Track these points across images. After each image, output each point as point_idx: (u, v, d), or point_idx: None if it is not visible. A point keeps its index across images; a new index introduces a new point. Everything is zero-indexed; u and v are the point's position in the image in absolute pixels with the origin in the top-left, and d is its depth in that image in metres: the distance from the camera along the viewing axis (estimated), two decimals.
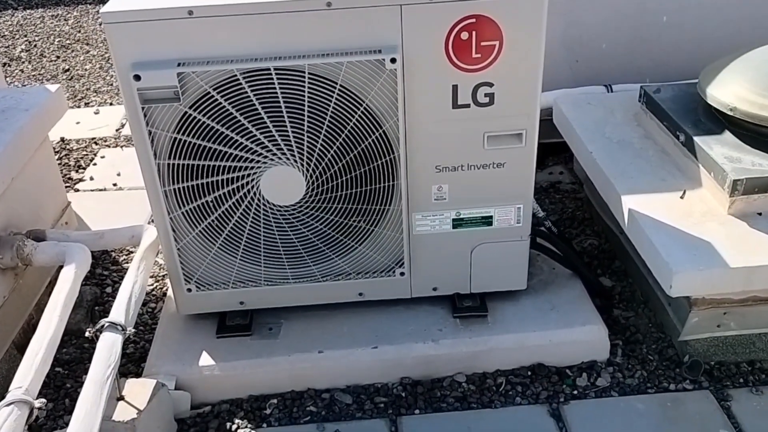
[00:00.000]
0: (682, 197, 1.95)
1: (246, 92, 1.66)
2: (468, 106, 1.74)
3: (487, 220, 1.91)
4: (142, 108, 1.66)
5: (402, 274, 1.94)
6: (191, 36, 1.61)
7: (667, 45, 2.69)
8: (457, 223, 1.91)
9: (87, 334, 1.69)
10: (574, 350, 1.97)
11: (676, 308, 1.97)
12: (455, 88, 1.71)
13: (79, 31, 4.83)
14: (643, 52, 2.70)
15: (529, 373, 1.95)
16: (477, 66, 1.69)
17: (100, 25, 4.66)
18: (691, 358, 1.95)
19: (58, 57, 4.44)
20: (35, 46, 4.63)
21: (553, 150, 2.89)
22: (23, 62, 4.41)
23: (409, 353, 1.92)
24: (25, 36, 4.80)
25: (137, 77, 1.62)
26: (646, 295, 2.18)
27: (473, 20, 1.63)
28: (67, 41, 4.66)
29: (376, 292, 1.98)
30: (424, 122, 1.75)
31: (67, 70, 4.25)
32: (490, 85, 1.72)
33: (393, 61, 1.64)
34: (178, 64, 1.63)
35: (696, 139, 1.98)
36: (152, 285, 2.40)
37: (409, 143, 1.77)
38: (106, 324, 1.69)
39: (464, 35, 1.65)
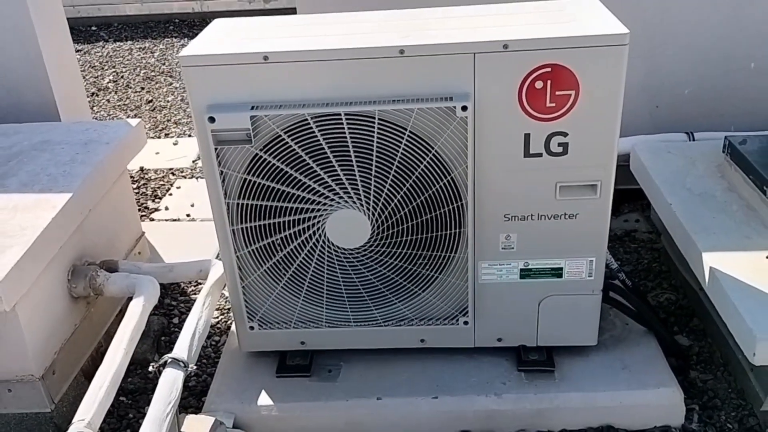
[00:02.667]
0: None
1: (316, 136, 1.67)
2: (540, 155, 1.69)
3: (557, 272, 1.84)
4: (215, 149, 1.69)
5: (466, 323, 1.89)
6: (265, 80, 1.64)
7: (755, 92, 2.57)
8: (525, 273, 1.85)
9: (150, 368, 1.71)
10: (647, 414, 1.86)
11: (759, 375, 1.84)
12: (527, 136, 1.67)
13: (164, 64, 5.04)
14: (729, 99, 2.59)
15: None
16: (551, 115, 1.64)
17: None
18: None
19: (142, 88, 4.63)
20: (122, 77, 4.85)
21: (630, 196, 2.78)
22: (110, 92, 4.62)
23: (471, 406, 1.86)
24: (114, 67, 5.04)
25: (212, 119, 1.66)
26: (727, 357, 2.04)
27: (548, 69, 1.59)
28: (152, 73, 4.87)
29: (439, 339, 1.94)
30: (494, 170, 1.71)
31: (150, 101, 4.42)
32: (564, 134, 1.67)
33: (464, 108, 1.61)
34: (252, 108, 1.65)
35: None
36: (217, 318, 2.43)
37: (477, 191, 1.73)
38: (169, 360, 1.71)
39: (539, 84, 1.61)
